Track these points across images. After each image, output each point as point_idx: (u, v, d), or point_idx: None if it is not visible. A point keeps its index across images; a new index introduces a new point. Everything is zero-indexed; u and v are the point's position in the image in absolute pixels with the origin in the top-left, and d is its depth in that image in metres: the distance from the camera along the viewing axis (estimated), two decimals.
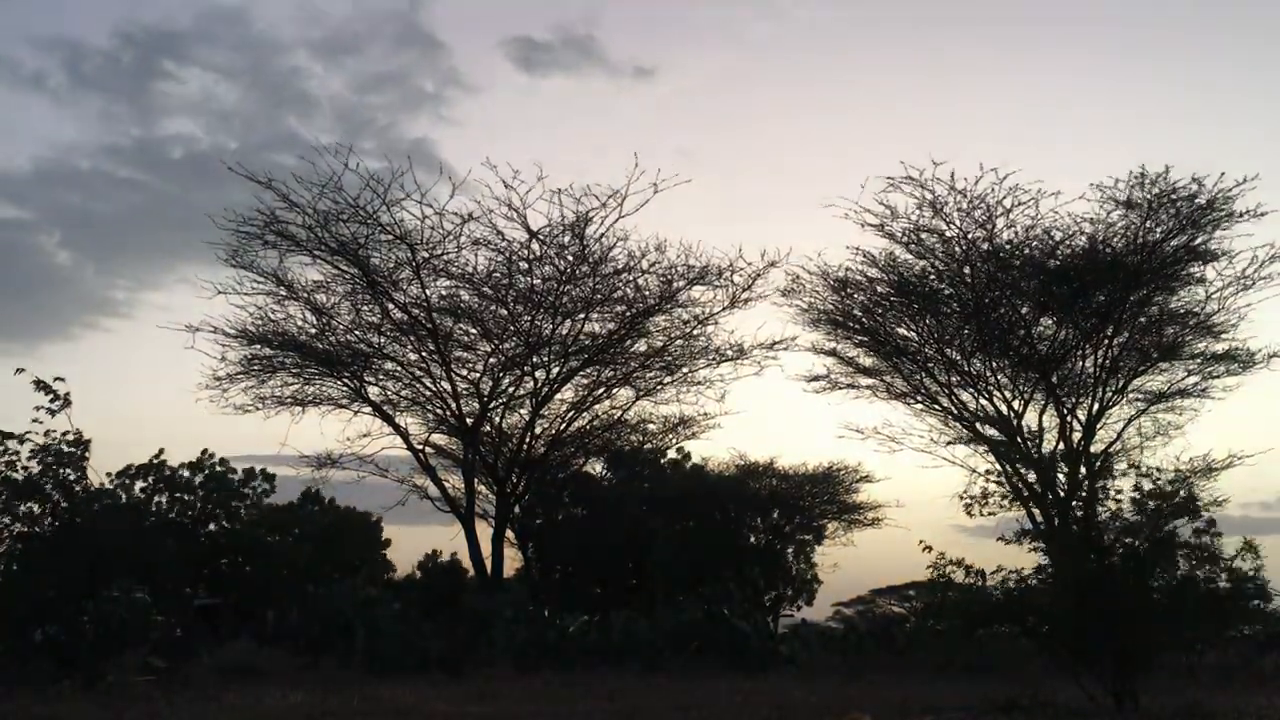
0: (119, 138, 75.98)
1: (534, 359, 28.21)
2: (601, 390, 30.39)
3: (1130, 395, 26.94)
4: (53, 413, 16.11)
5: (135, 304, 75.60)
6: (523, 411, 30.10)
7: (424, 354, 27.92)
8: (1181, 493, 13.88)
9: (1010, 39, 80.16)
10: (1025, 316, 25.78)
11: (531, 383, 29.00)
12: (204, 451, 32.54)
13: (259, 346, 26.92)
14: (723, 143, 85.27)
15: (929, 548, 14.27)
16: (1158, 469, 14.51)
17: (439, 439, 30.37)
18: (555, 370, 28.79)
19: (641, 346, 29.13)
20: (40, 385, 16.00)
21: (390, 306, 26.73)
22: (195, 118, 73.86)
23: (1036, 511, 24.37)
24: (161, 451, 31.36)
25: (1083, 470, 25.01)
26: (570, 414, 30.65)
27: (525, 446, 29.90)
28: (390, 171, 23.41)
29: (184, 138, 72.27)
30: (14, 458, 16.10)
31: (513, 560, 32.43)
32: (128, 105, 76.40)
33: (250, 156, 73.39)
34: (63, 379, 16.06)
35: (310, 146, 69.53)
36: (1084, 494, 23.39)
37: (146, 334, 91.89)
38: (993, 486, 17.84)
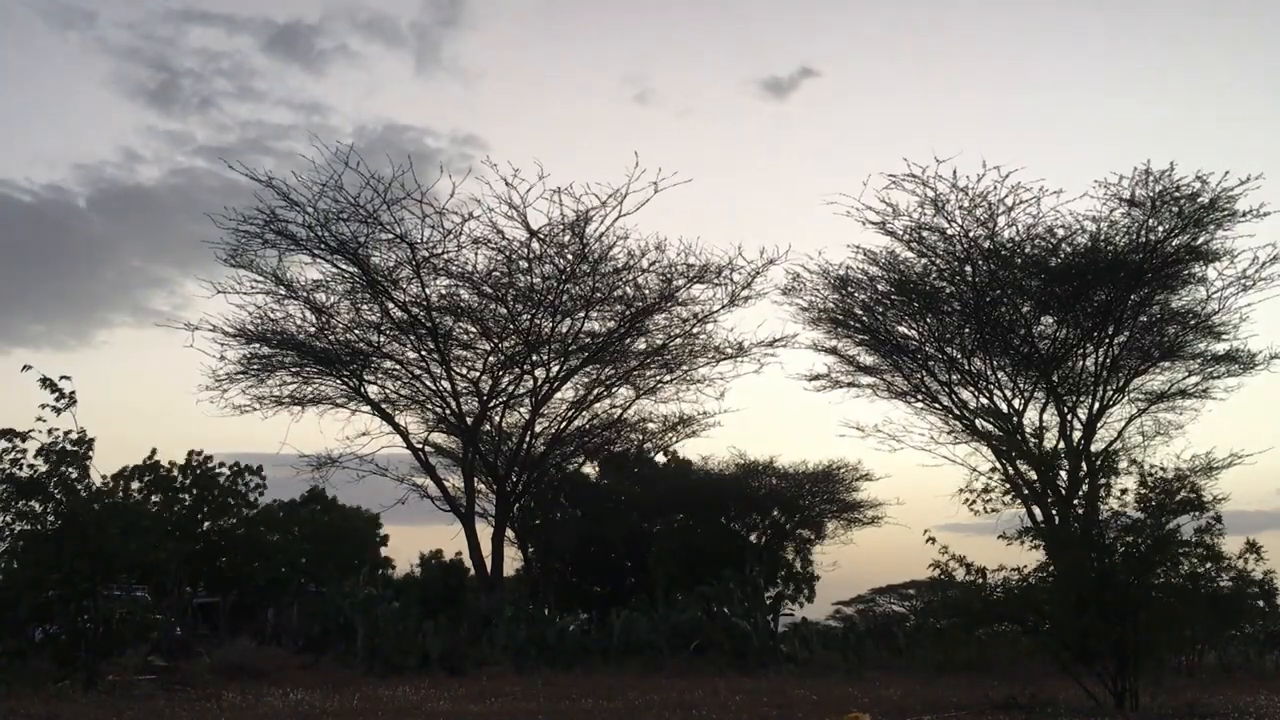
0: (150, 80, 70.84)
1: (534, 358, 28.18)
2: (601, 389, 30.38)
3: (1131, 394, 26.96)
4: (58, 411, 16.07)
5: (179, 285, 71.91)
6: (522, 410, 30.09)
7: (423, 353, 27.89)
8: (1185, 491, 13.81)
9: (1013, 37, 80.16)
10: (1026, 315, 25.75)
11: (531, 381, 28.98)
12: (192, 451, 32.63)
13: (258, 345, 26.91)
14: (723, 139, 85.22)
15: (933, 539, 14.25)
16: (1159, 466, 14.46)
17: (439, 438, 30.41)
18: (555, 369, 28.77)
19: (641, 345, 29.10)
20: (46, 383, 15.97)
21: (390, 305, 26.70)
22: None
23: (1037, 509, 24.35)
24: (155, 451, 31.52)
25: (1083, 469, 24.99)
26: (570, 413, 30.65)
27: (525, 445, 29.87)
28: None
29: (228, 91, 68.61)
30: (20, 455, 16.05)
31: (513, 560, 32.49)
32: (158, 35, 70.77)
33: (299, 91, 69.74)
34: (68, 377, 16.04)
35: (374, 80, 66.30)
36: (1084, 492, 23.36)
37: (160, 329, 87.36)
38: (993, 483, 17.74)
